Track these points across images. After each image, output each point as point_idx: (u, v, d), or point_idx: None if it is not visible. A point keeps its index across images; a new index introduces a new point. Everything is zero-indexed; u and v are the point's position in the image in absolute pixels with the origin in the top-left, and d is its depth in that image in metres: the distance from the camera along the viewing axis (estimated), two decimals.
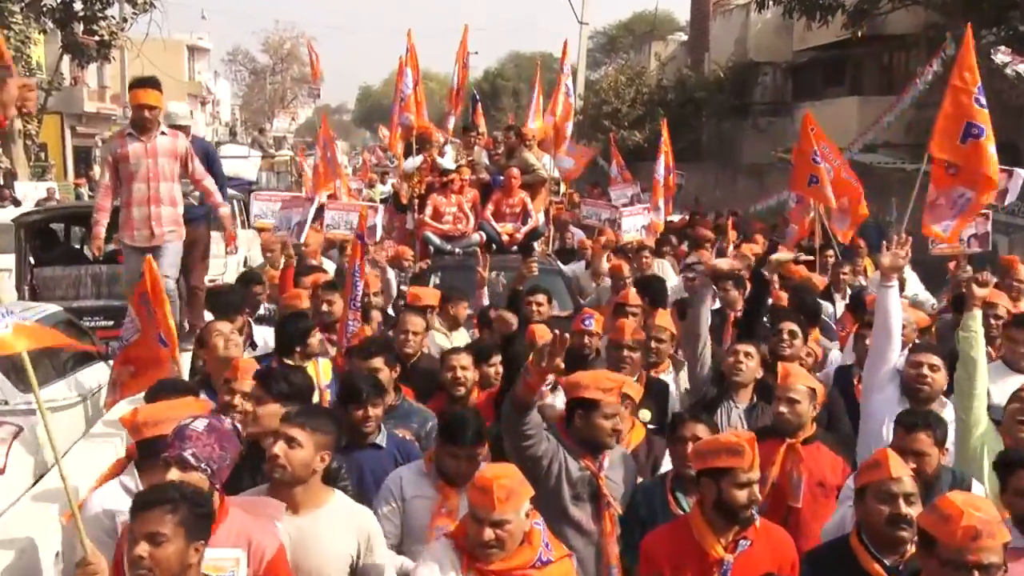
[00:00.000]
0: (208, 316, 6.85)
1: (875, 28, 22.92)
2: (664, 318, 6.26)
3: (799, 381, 4.71)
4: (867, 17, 21.37)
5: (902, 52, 24.79)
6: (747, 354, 5.30)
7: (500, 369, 5.70)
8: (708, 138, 33.39)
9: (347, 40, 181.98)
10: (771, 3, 22.30)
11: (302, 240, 8.94)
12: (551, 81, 13.76)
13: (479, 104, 16.19)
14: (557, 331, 3.91)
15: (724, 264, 5.69)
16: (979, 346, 4.70)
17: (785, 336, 5.76)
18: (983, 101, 7.70)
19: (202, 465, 3.38)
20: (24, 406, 6.05)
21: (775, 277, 7.28)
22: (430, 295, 7.27)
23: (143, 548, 2.97)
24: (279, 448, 3.66)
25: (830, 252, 10.43)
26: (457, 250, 10.69)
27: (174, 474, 3.31)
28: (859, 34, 22.13)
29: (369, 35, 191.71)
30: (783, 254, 5.59)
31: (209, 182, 7.63)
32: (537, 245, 10.99)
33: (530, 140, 12.06)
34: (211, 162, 8.14)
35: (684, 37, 41.03)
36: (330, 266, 9.41)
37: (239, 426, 3.74)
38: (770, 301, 6.54)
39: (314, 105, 37.74)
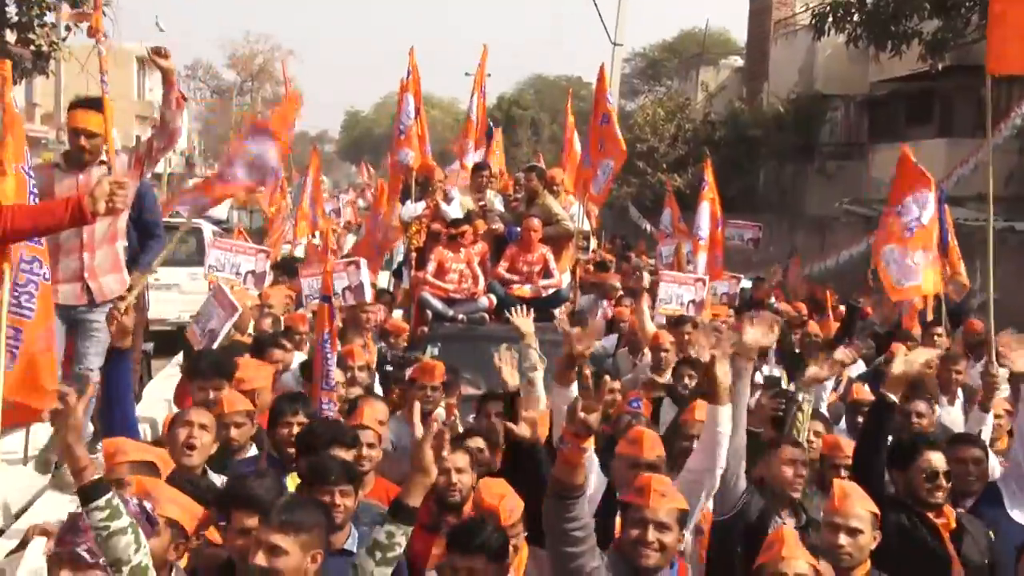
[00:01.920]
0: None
1: (968, 57, 23.01)
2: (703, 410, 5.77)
3: (859, 504, 4.45)
4: (947, 48, 21.28)
5: (1002, 85, 24.88)
6: (804, 463, 5.16)
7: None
8: (764, 184, 33.51)
9: (332, 56, 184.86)
10: (831, 31, 22.06)
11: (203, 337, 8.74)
12: (582, 111, 13.78)
13: (493, 139, 16.16)
14: (587, 373, 3.88)
15: (754, 338, 5.20)
16: None
17: (913, 417, 5.53)
18: None
19: (100, 561, 3.38)
20: None
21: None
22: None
23: None
24: (261, 559, 3.72)
25: (939, 329, 9.93)
26: (461, 316, 10.67)
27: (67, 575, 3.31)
28: (939, 67, 22.04)
29: (358, 50, 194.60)
30: (902, 357, 5.18)
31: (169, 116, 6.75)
32: (559, 312, 10.94)
33: (557, 184, 12.02)
34: (145, 209, 7.85)
35: (739, 62, 41.37)
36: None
37: (148, 506, 3.79)
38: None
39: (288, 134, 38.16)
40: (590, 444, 4.08)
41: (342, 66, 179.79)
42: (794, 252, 15.38)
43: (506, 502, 4.69)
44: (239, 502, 4.25)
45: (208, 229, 17.24)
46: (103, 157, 6.92)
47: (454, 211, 11.56)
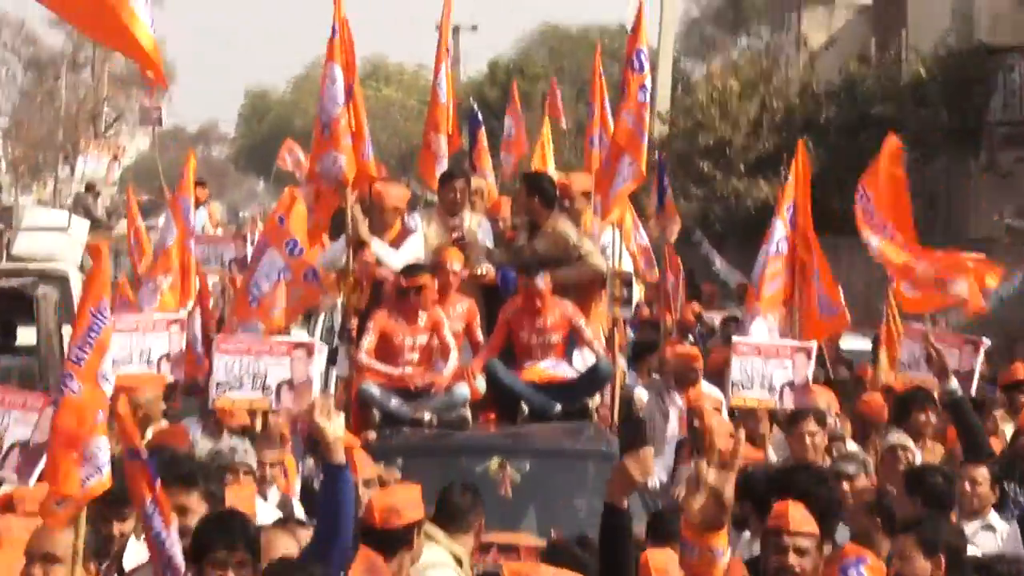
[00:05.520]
0: None
1: None
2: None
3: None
4: None
5: None
6: None
7: None
8: None
9: (225, 6, 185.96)
10: None
11: None
12: (618, 81, 13.74)
13: (481, 130, 16.10)
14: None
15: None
16: None
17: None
18: None
19: None
20: None
21: None
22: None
23: None
24: None
25: None
26: (427, 416, 10.79)
27: None
28: None
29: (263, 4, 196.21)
30: None
31: None
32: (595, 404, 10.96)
33: (571, 197, 12.18)
34: None
35: None
36: None
37: None
38: None
39: (154, 131, 37.56)
40: (724, 542, 4.55)
41: (241, 23, 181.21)
42: None
43: None
44: None
45: (76, 275, 18.07)
46: None
47: (406, 254, 11.37)
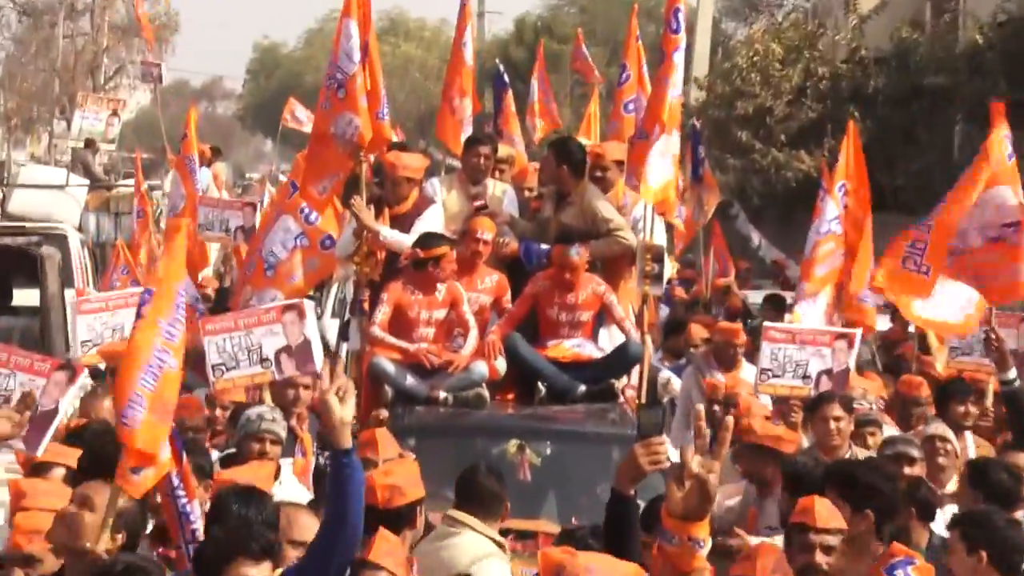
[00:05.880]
0: None
1: None
2: None
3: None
4: None
5: None
6: None
7: None
8: (956, 167, 33.29)
9: None
10: None
11: None
12: (655, 43, 13.69)
13: (508, 92, 16.04)
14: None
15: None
16: None
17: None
18: None
19: None
20: None
21: None
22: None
23: None
24: None
25: None
26: (442, 394, 10.80)
27: None
28: None
29: None
30: None
31: None
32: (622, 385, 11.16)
33: (608, 167, 12.11)
34: None
35: None
36: None
37: None
38: None
39: (155, 88, 37.54)
40: (706, 533, 4.78)
41: None
42: None
43: None
44: None
45: (75, 236, 18.46)
46: None
47: (421, 230, 11.33)
